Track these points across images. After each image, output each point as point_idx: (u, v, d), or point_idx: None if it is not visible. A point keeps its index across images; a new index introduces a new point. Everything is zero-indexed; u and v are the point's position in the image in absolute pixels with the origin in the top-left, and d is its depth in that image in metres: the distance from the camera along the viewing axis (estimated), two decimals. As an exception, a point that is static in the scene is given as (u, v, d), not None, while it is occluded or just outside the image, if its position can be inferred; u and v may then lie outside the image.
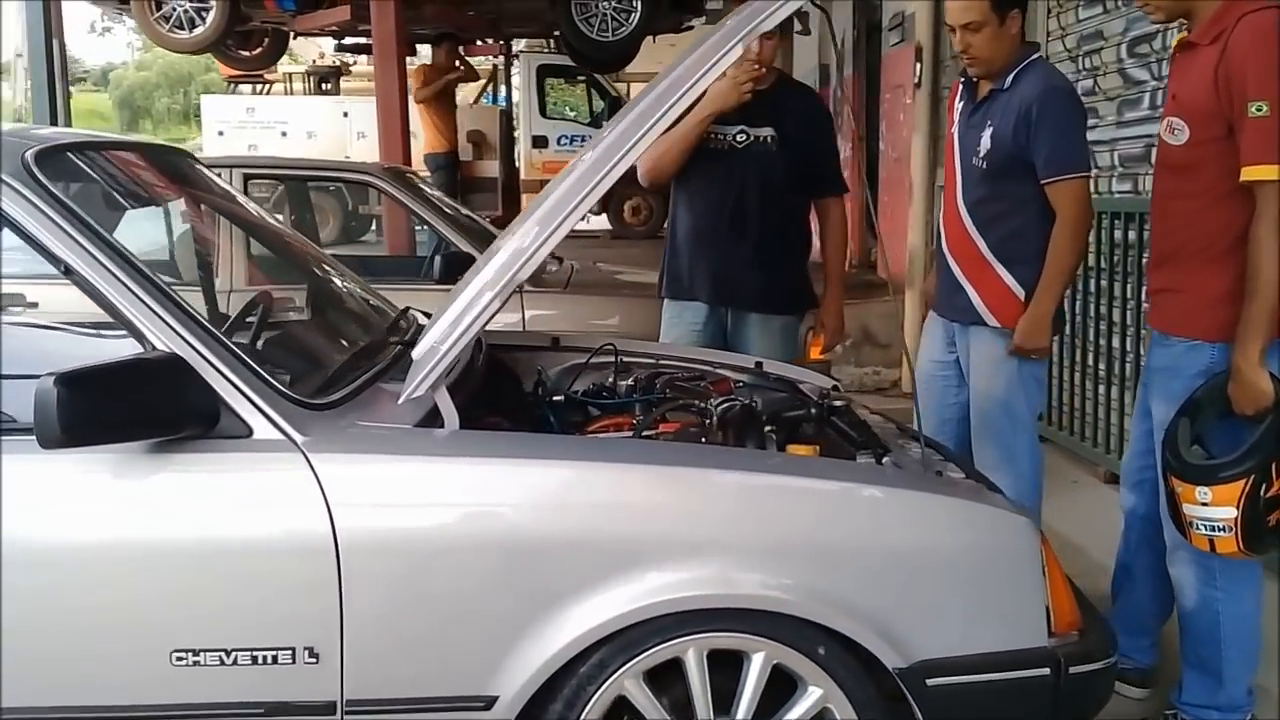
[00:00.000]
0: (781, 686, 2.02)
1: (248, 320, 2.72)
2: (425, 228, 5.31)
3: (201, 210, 3.01)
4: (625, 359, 2.93)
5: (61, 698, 1.89)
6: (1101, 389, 4.59)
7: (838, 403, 2.67)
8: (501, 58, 16.37)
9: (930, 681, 1.98)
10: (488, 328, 2.89)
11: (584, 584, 1.92)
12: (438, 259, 4.50)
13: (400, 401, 2.04)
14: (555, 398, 2.74)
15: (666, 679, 1.99)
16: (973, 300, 3.13)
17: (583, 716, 1.95)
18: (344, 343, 2.55)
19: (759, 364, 2.99)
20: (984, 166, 3.07)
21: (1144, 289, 3.37)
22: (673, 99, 2.07)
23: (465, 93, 15.94)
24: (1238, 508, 2.39)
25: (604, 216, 14.45)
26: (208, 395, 1.87)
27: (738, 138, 3.49)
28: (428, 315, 2.60)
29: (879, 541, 2.03)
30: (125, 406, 1.78)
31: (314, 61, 19.54)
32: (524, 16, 11.01)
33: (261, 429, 1.89)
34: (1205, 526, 2.44)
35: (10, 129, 2.18)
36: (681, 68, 2.15)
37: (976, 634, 2.02)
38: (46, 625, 1.87)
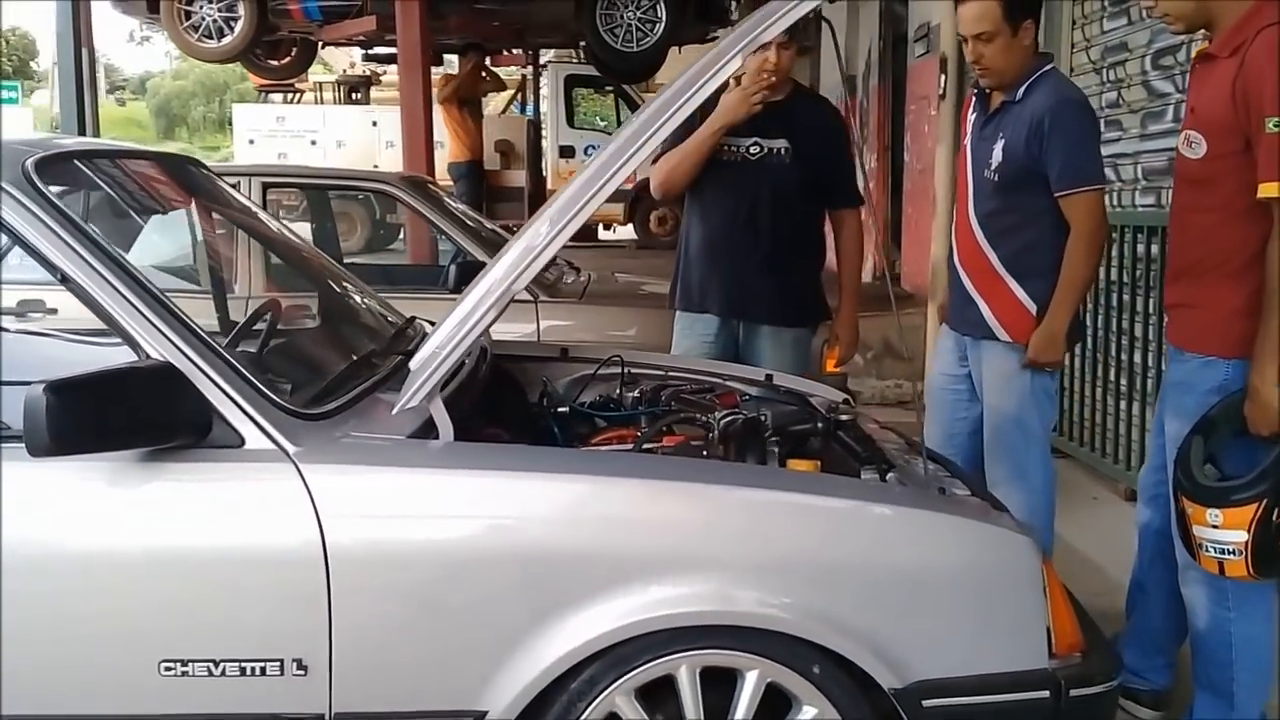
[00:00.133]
0: (776, 704, 1.98)
1: (255, 329, 2.72)
2: (444, 237, 5.31)
3: (208, 218, 3.02)
4: (634, 371, 2.91)
5: (49, 706, 1.88)
6: (1123, 404, 4.54)
7: (844, 417, 2.64)
8: (530, 68, 16.42)
9: (927, 703, 1.95)
10: (496, 338, 2.93)
11: (575, 599, 1.90)
12: (452, 268, 4.50)
13: (394, 412, 2.03)
14: (560, 409, 2.73)
15: (659, 696, 1.97)
16: (984, 314, 3.10)
17: (574, 732, 1.93)
18: (344, 352, 2.54)
19: (769, 377, 2.97)
20: (996, 179, 3.03)
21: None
22: (672, 109, 2.04)
23: (496, 102, 16.03)
24: (1249, 531, 2.34)
25: (630, 227, 14.45)
26: (200, 404, 1.87)
27: (751, 149, 3.47)
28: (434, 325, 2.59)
29: (876, 560, 2.00)
30: (115, 415, 1.77)
31: (344, 71, 19.70)
32: (549, 27, 11.02)
33: (254, 439, 1.89)
34: (1215, 549, 2.40)
35: (19, 139, 2.19)
36: (683, 78, 2.13)
37: (975, 655, 1.98)
38: (34, 633, 1.86)
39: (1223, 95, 2.40)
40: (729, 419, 2.46)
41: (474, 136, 10.64)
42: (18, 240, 1.92)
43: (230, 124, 22.77)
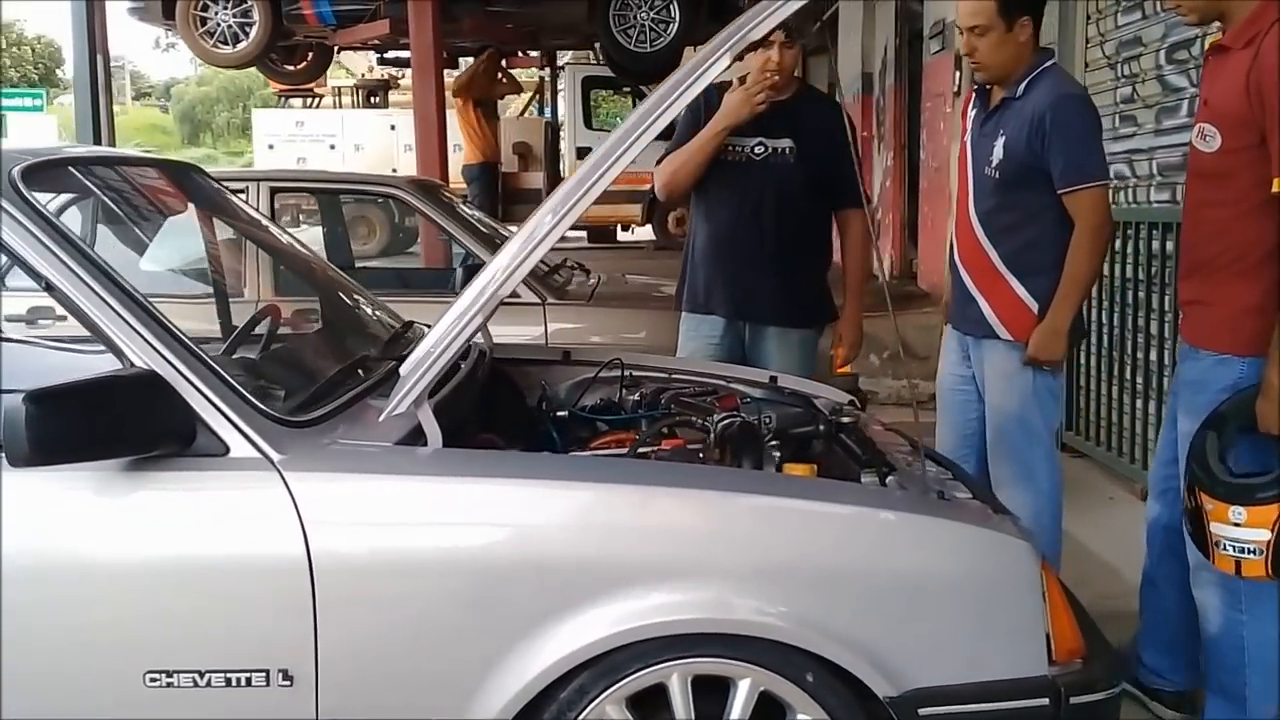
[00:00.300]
0: (770, 712, 1.95)
1: (254, 335, 2.72)
2: (451, 240, 5.30)
3: (206, 224, 3.01)
4: (637, 374, 2.88)
5: (33, 717, 1.87)
6: (1139, 403, 4.48)
7: (846, 419, 2.60)
8: (547, 70, 16.43)
9: (923, 711, 1.91)
10: (501, 341, 2.91)
11: (564, 607, 1.87)
12: (459, 271, 4.49)
13: (381, 419, 2.01)
14: (559, 413, 2.71)
15: (650, 705, 1.94)
16: (984, 312, 3.06)
17: (564, 741, 1.90)
18: (338, 358, 2.52)
19: (773, 379, 2.93)
20: (996, 176, 3.00)
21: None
22: (659, 111, 2.02)
23: (515, 105, 16.06)
24: (1273, 530, 2.29)
25: (649, 228, 14.43)
26: (184, 412, 1.85)
27: (755, 150, 3.44)
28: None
29: (871, 565, 1.96)
30: (97, 425, 1.75)
31: (363, 75, 19.79)
32: (563, 28, 11.02)
33: (238, 447, 1.87)
34: (1234, 547, 2.35)
35: (12, 148, 2.18)
36: (673, 77, 2.10)
37: (972, 662, 1.94)
38: (17, 644, 1.84)
39: (1237, 88, 2.36)
40: (726, 422, 2.43)
41: (488, 138, 10.65)
42: (2, 248, 1.91)
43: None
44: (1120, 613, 3.41)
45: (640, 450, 2.37)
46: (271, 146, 16.83)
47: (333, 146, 16.54)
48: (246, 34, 9.38)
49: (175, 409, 1.84)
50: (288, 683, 1.84)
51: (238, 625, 1.86)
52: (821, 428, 2.53)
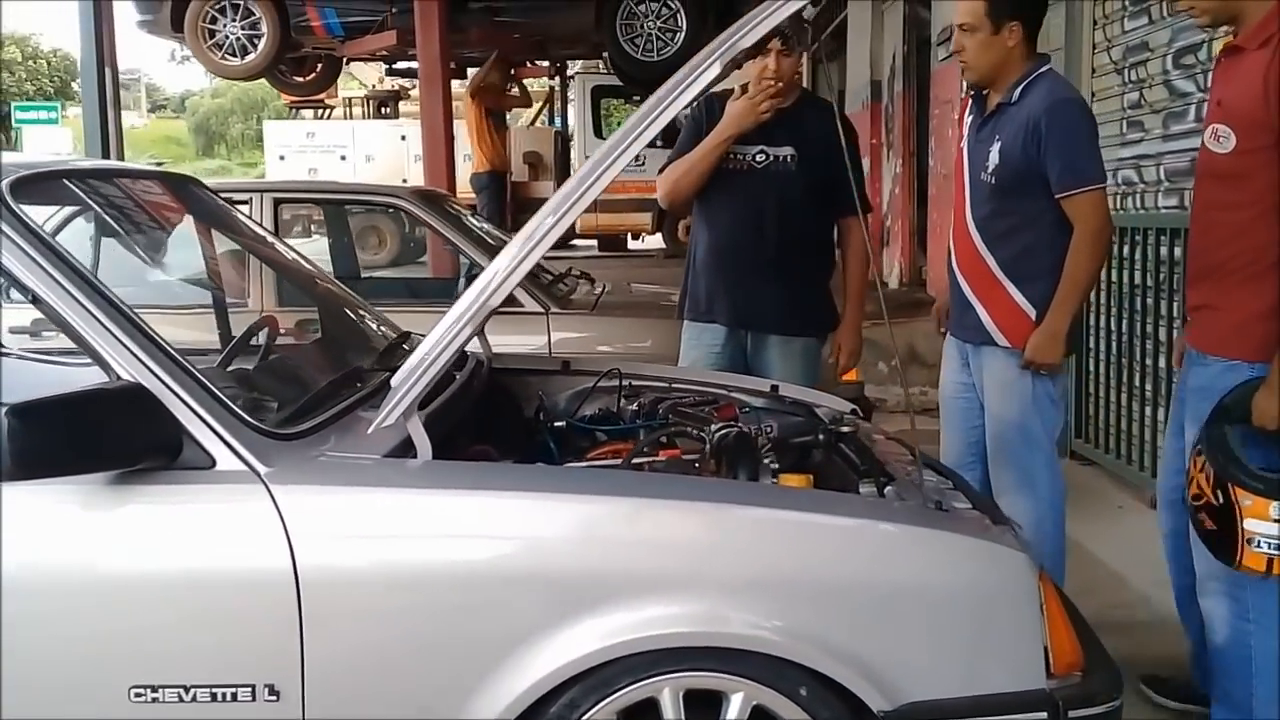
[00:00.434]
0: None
1: (251, 346, 2.71)
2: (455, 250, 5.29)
3: (203, 236, 3.00)
4: (637, 384, 2.86)
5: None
6: (1147, 410, 4.45)
7: (846, 429, 2.57)
8: (557, 79, 16.45)
9: (918, 725, 1.88)
10: (503, 351, 2.90)
11: (554, 620, 1.85)
12: (461, 280, 4.48)
13: (370, 431, 2.00)
14: (556, 423, 2.69)
15: (641, 718, 1.91)
16: (982, 319, 3.04)
17: (554, 757, 1.88)
18: (332, 369, 2.51)
19: (775, 388, 2.91)
20: (993, 182, 2.98)
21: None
22: (648, 120, 2.00)
23: (526, 114, 16.08)
24: None
25: (659, 236, 14.42)
26: (170, 425, 1.83)
27: (757, 158, 3.42)
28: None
29: (867, 578, 1.94)
30: (82, 438, 1.74)
31: (373, 86, 19.86)
32: (570, 38, 11.05)
33: (225, 460, 1.85)
34: (1271, 545, 2.31)
35: (9, 161, 2.18)
36: (664, 86, 2.08)
37: (968, 675, 1.91)
38: (3, 656, 1.82)
39: (1254, 87, 2.34)
40: (722, 432, 2.41)
41: (496, 147, 10.65)
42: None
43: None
44: (1128, 622, 3.38)
45: (635, 461, 2.35)
46: (283, 158, 16.89)
47: (343, 157, 16.59)
48: (255, 46, 9.40)
49: (161, 422, 1.82)
50: (274, 698, 1.82)
51: (223, 640, 1.84)
52: (820, 437, 2.50)
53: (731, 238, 3.47)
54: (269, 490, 1.83)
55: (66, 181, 2.42)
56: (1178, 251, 4.11)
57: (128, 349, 1.85)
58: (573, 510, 1.94)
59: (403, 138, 16.53)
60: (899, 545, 1.99)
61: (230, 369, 2.58)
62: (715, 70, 2.01)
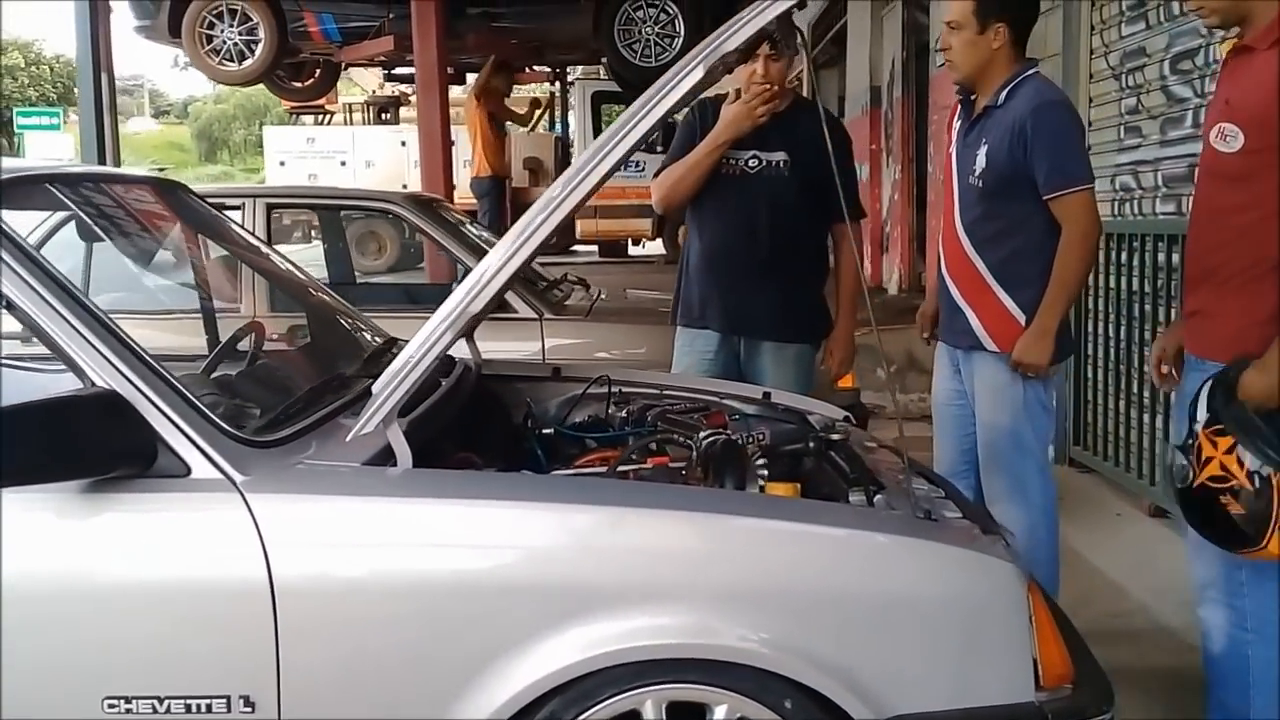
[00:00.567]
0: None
1: (240, 351, 2.68)
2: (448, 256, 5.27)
3: (191, 241, 2.98)
4: (627, 390, 2.83)
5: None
6: (1145, 417, 4.41)
7: (836, 436, 2.54)
8: (557, 85, 16.44)
9: (904, 738, 1.85)
10: (494, 357, 2.87)
11: (534, 631, 1.82)
12: (455, 286, 4.45)
13: (349, 439, 1.97)
14: (544, 430, 2.66)
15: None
16: (972, 324, 3.02)
17: (533, 770, 1.85)
18: (314, 376, 2.48)
19: (767, 395, 2.88)
20: (980, 185, 2.97)
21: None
22: (631, 124, 1.98)
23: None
24: None
25: (659, 242, 14.39)
26: (145, 432, 1.81)
27: (750, 163, 3.40)
28: None
29: (852, 588, 1.91)
30: (55, 445, 1.71)
31: (374, 92, 19.86)
32: (568, 43, 11.03)
33: (200, 468, 1.82)
34: None
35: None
36: (648, 91, 2.06)
37: (956, 688, 1.88)
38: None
39: (1264, 86, 2.31)
40: (709, 440, 2.38)
41: (495, 153, 10.63)
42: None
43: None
44: (1126, 632, 3.35)
45: (621, 469, 2.32)
46: (283, 163, 16.89)
47: (344, 163, 16.60)
48: (252, 51, 9.38)
49: (136, 429, 1.80)
50: (249, 709, 1.80)
51: (198, 650, 1.82)
52: (811, 445, 2.47)
53: (725, 243, 3.45)
54: (244, 498, 1.80)
55: (50, 187, 2.40)
56: (1175, 257, 4.08)
57: (102, 355, 1.83)
58: (554, 519, 1.91)
59: (403, 143, 16.53)
60: (886, 555, 1.96)
61: (214, 375, 2.55)
62: (699, 73, 1.98)
